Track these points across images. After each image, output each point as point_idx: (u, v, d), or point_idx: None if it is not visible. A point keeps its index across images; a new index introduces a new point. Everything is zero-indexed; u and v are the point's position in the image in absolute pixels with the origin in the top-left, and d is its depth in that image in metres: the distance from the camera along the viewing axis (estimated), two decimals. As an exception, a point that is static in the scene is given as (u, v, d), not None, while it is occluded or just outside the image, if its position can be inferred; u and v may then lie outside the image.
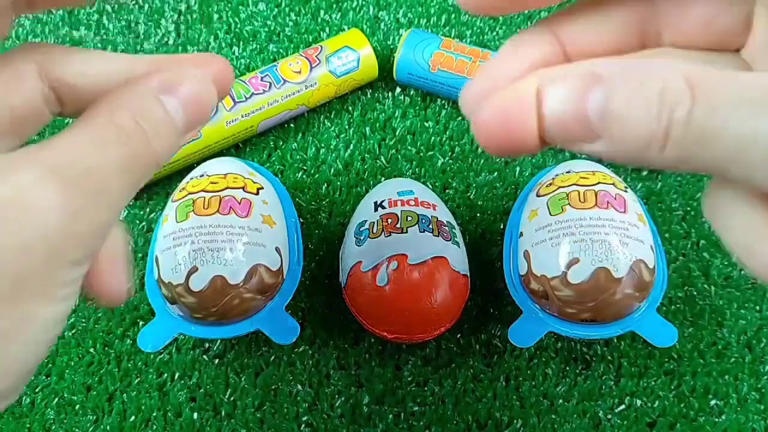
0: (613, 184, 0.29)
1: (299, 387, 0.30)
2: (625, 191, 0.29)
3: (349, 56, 0.35)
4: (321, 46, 0.36)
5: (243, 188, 0.29)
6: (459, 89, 0.30)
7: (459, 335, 0.31)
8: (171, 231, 0.28)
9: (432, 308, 0.28)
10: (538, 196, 0.30)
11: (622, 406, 0.30)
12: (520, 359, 0.31)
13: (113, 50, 0.39)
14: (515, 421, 0.29)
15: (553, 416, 0.29)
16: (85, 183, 0.15)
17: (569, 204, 0.28)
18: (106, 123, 0.16)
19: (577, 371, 0.30)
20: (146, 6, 0.41)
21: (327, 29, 0.40)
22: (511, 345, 0.30)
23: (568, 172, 0.30)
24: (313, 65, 0.35)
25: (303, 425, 0.29)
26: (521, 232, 0.30)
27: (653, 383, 0.30)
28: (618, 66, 0.14)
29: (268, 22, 0.40)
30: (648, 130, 0.14)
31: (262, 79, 0.34)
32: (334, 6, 0.40)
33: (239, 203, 0.28)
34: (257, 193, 0.30)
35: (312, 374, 0.30)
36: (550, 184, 0.30)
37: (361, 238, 0.29)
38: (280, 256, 0.29)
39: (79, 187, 0.14)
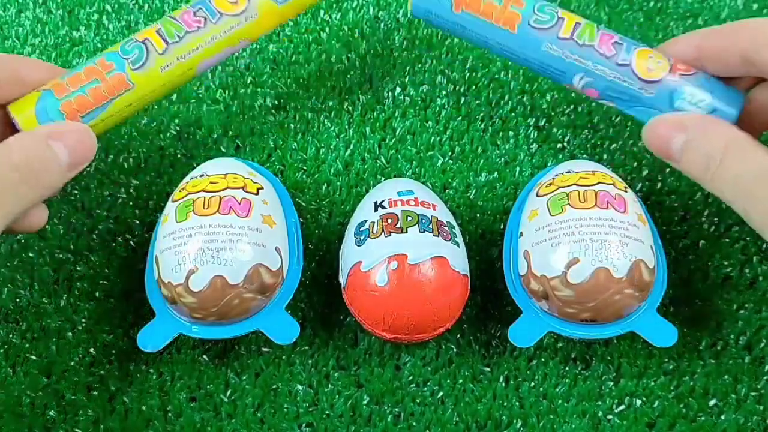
0: (613, 184, 0.29)
1: (299, 387, 0.30)
2: (625, 191, 0.29)
3: None
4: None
5: (243, 188, 0.29)
6: (485, 38, 0.29)
7: (459, 335, 0.31)
8: (171, 231, 0.28)
9: (432, 308, 0.28)
10: (538, 196, 0.30)
11: (622, 407, 0.30)
12: (520, 359, 0.31)
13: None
14: (515, 421, 0.29)
15: (553, 416, 0.29)
16: None
17: (569, 204, 0.28)
18: (4, 161, 0.22)
19: (577, 371, 0.30)
20: (146, 6, 0.41)
21: (327, 29, 0.40)
22: (510, 345, 0.30)
23: (568, 172, 0.31)
24: None
25: (303, 425, 0.29)
26: (521, 232, 0.30)
27: (653, 383, 0.30)
28: (697, 121, 0.25)
29: (268, 22, 0.40)
30: (700, 172, 0.24)
31: (195, 14, 0.30)
32: (334, 6, 0.40)
33: (239, 203, 0.28)
34: (257, 193, 0.30)
35: (312, 374, 0.31)
36: (550, 184, 0.30)
37: (361, 238, 0.29)
38: (280, 256, 0.29)
39: None
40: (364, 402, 0.30)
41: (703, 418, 0.29)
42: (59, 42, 0.40)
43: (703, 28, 0.39)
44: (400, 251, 0.28)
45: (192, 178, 0.30)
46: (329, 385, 0.30)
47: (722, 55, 0.26)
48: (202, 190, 0.29)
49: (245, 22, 0.30)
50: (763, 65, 0.25)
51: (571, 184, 0.29)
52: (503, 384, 0.30)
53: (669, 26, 0.40)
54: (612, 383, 0.30)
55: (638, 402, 0.30)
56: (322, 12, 0.40)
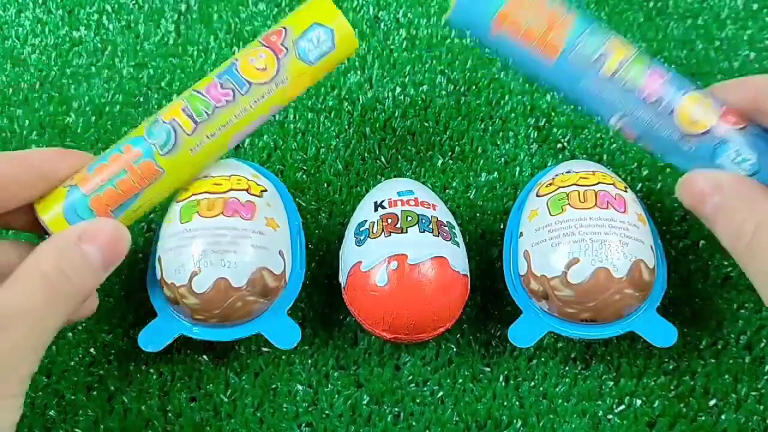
0: (613, 184, 0.29)
1: (299, 387, 0.30)
2: (625, 191, 0.29)
3: (321, 35, 0.28)
4: (284, 29, 0.28)
5: (247, 190, 0.29)
6: (523, 66, 0.26)
7: (459, 335, 0.31)
8: (175, 232, 0.28)
9: (432, 308, 0.28)
10: (538, 196, 0.30)
11: (622, 406, 0.30)
12: (520, 359, 0.31)
13: (113, 50, 0.39)
14: (515, 421, 0.29)
15: (553, 416, 0.29)
16: (20, 323, 0.20)
17: (569, 204, 0.28)
18: (34, 272, 0.21)
19: (577, 371, 0.30)
20: (146, 6, 0.41)
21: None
22: (510, 345, 0.30)
23: (568, 172, 0.31)
24: (279, 56, 0.27)
25: (303, 425, 0.29)
26: (521, 232, 0.30)
27: (653, 383, 0.30)
28: (735, 186, 0.23)
29: (269, 22, 0.40)
30: (729, 241, 0.23)
31: (222, 87, 0.27)
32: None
33: (243, 205, 0.28)
34: (261, 196, 0.29)
35: (311, 374, 0.31)
36: (550, 184, 0.30)
37: (361, 238, 0.29)
38: (284, 260, 0.29)
39: (14, 328, 0.20)
40: (364, 402, 0.30)
41: (703, 418, 0.29)
42: (59, 42, 0.40)
43: (703, 28, 0.39)
44: (400, 251, 0.28)
45: (196, 179, 0.30)
46: (329, 385, 0.30)
47: None
48: (206, 192, 0.28)
49: (276, 88, 0.27)
50: None
51: (571, 184, 0.29)
52: (503, 384, 0.30)
53: (669, 26, 0.40)
54: (612, 383, 0.30)
55: (638, 402, 0.30)
56: (322, 12, 0.40)
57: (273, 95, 0.28)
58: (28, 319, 0.20)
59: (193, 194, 0.28)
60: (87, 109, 0.37)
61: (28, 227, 0.26)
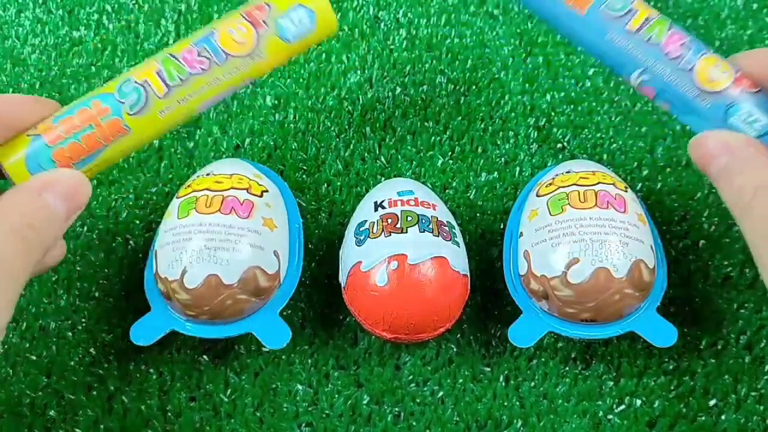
0: (613, 184, 0.29)
1: (298, 386, 0.30)
2: (625, 191, 0.29)
3: (302, 16, 0.28)
4: (267, 5, 0.28)
5: (247, 189, 0.29)
6: (553, 16, 0.27)
7: (459, 335, 0.31)
8: (171, 227, 0.28)
9: (432, 308, 0.28)
10: (538, 196, 0.30)
11: (622, 406, 0.30)
12: (520, 359, 0.31)
13: (113, 50, 0.39)
14: (515, 421, 0.29)
15: (553, 416, 0.29)
16: None
17: (569, 204, 0.28)
18: (4, 224, 0.21)
19: (577, 371, 0.30)
20: (146, 6, 0.41)
21: (327, 29, 0.40)
22: (510, 345, 0.30)
23: (568, 172, 0.31)
24: (259, 31, 0.27)
25: (303, 425, 0.29)
26: (521, 232, 0.30)
27: (653, 383, 0.30)
28: (742, 148, 0.23)
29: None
30: (730, 202, 0.23)
31: (198, 54, 0.27)
32: (334, 6, 0.40)
33: (241, 204, 0.28)
34: (261, 196, 0.30)
35: (311, 374, 0.31)
36: (550, 184, 0.30)
37: (361, 238, 0.29)
38: (278, 260, 0.29)
39: None
40: (364, 402, 0.30)
41: (703, 418, 0.29)
42: (59, 42, 0.40)
43: (703, 28, 0.39)
44: (400, 251, 0.28)
45: (198, 176, 0.30)
46: (329, 385, 0.30)
47: None
48: (207, 189, 0.29)
49: (252, 62, 0.27)
50: None
51: (571, 184, 0.29)
52: (503, 384, 0.30)
53: (669, 26, 0.40)
54: (612, 383, 0.30)
55: (638, 402, 0.30)
56: (322, 12, 0.40)
57: (248, 69, 0.27)
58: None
59: (193, 191, 0.29)
60: (87, 109, 0.37)
61: None
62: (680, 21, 0.40)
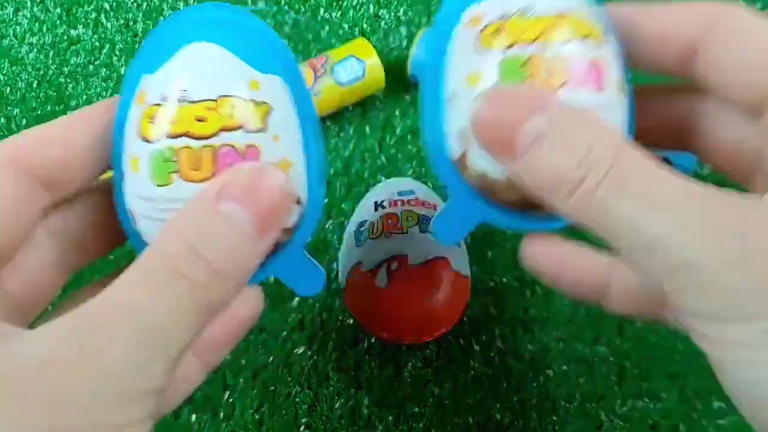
0: (587, 35, 0.19)
1: (298, 388, 0.30)
2: (602, 44, 0.19)
3: (354, 65, 0.35)
4: (326, 56, 0.35)
5: (243, 126, 0.19)
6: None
7: (459, 336, 0.31)
8: (148, 195, 0.19)
9: (432, 309, 0.27)
10: (479, 50, 0.19)
11: (625, 408, 0.29)
12: (522, 361, 0.30)
13: (111, 49, 0.39)
14: (516, 423, 0.29)
15: (555, 417, 0.29)
16: (144, 337, 0.14)
17: (531, 76, 0.18)
18: (158, 260, 0.14)
19: (579, 372, 0.30)
20: (144, 4, 0.41)
21: (327, 27, 0.39)
22: (511, 345, 0.30)
23: (522, 13, 0.19)
24: (317, 75, 0.34)
25: (302, 427, 0.29)
26: (454, 91, 0.20)
27: (655, 384, 0.30)
28: (567, 108, 0.16)
29: (268, 21, 0.40)
30: (565, 171, 0.15)
31: None
32: (334, 4, 0.40)
33: (242, 156, 0.19)
34: (265, 126, 0.20)
35: (311, 375, 0.30)
36: (499, 30, 0.19)
37: (361, 238, 0.29)
38: (300, 205, 0.20)
39: (135, 342, 0.14)
40: (364, 403, 0.30)
41: (706, 420, 0.29)
42: (57, 40, 0.39)
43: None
44: (401, 251, 0.28)
45: (166, 100, 0.19)
46: (329, 387, 0.30)
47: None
48: (187, 134, 0.19)
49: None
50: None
51: (534, 40, 0.19)
52: (504, 385, 0.30)
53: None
54: (614, 384, 0.30)
55: (641, 403, 0.29)
56: (322, 10, 0.40)
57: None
58: (150, 334, 0.14)
59: (166, 135, 0.19)
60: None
61: (108, 243, 0.18)
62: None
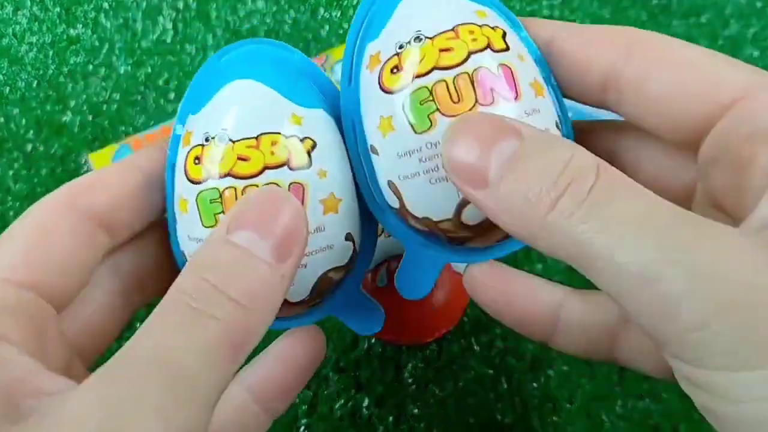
0: (488, 47, 0.18)
1: (298, 389, 0.30)
2: (507, 49, 0.18)
3: None
4: (326, 56, 0.34)
5: (287, 163, 0.19)
6: None
7: (461, 336, 0.31)
8: (197, 236, 0.19)
9: (433, 310, 0.27)
10: (383, 89, 0.19)
11: (626, 408, 0.29)
12: (523, 361, 0.30)
13: (110, 48, 0.39)
14: (517, 424, 0.29)
15: (556, 418, 0.29)
16: (172, 383, 0.13)
17: (438, 111, 0.18)
18: (174, 299, 0.14)
19: (581, 373, 0.30)
20: (143, 3, 0.41)
21: (326, 26, 0.39)
22: (512, 345, 0.30)
23: (418, 39, 0.18)
24: None
25: (302, 428, 0.29)
26: (372, 146, 0.19)
27: (657, 385, 0.30)
28: (538, 133, 0.16)
29: (267, 20, 0.40)
30: (529, 207, 0.14)
31: None
32: (334, 3, 0.40)
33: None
34: (310, 161, 0.19)
35: (311, 376, 0.30)
36: (398, 67, 0.18)
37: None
38: (353, 241, 0.20)
39: (164, 390, 0.13)
40: (365, 404, 0.30)
41: (706, 421, 0.29)
42: (56, 40, 0.39)
43: (707, 26, 0.39)
44: (401, 251, 0.27)
45: (208, 139, 0.19)
46: (328, 387, 0.30)
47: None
48: (230, 174, 0.19)
49: None
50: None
51: (432, 69, 0.18)
52: (505, 386, 0.30)
53: (672, 24, 0.39)
54: (616, 385, 0.30)
55: (642, 404, 0.29)
56: (321, 9, 0.40)
57: None
58: (177, 385, 0.13)
59: (213, 174, 0.19)
60: (84, 107, 0.37)
61: (166, 283, 0.16)
62: (683, 19, 0.40)
